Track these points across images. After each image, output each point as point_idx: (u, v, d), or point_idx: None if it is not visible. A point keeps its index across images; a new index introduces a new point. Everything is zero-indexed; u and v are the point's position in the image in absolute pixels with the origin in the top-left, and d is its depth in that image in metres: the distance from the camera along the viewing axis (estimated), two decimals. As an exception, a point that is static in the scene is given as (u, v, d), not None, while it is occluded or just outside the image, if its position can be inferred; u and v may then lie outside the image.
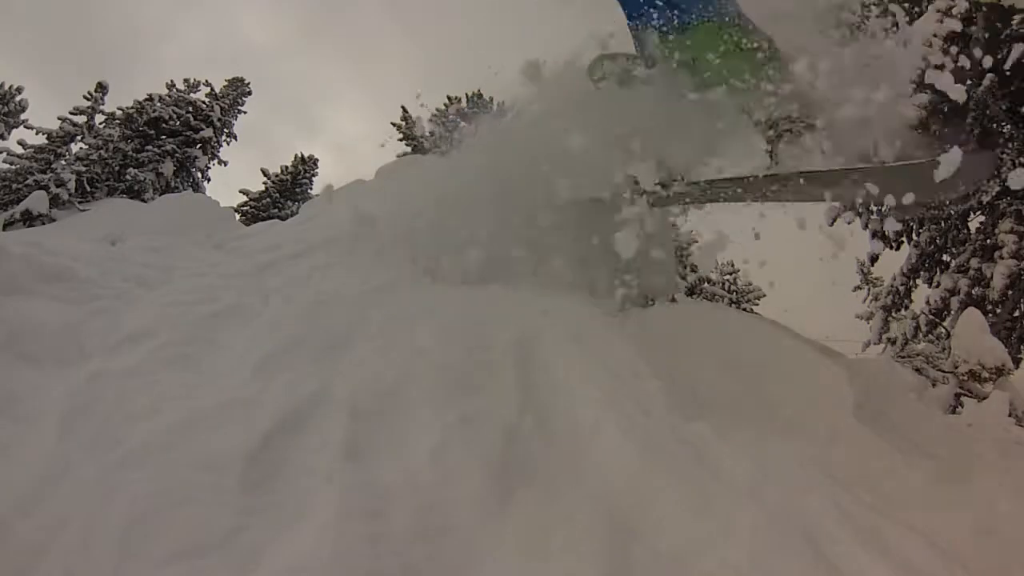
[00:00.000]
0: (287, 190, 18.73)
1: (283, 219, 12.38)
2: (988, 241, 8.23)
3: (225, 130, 18.75)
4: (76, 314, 3.23)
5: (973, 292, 8.27)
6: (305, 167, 19.36)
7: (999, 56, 7.13)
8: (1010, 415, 5.63)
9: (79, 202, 14.44)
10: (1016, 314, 8.03)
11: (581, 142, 3.90)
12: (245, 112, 19.39)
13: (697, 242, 14.77)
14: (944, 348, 10.83)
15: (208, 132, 17.90)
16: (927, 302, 9.11)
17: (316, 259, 4.92)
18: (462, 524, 1.99)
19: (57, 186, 14.12)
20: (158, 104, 17.06)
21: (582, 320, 3.64)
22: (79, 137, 15.51)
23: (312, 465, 2.19)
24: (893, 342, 9.61)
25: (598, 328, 3.53)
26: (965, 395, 6.74)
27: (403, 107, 16.71)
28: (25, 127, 15.72)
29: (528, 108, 5.10)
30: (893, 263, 9.56)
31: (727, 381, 3.03)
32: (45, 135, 15.20)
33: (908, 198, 3.03)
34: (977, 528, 2.16)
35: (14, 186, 14.27)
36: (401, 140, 16.54)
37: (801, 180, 3.66)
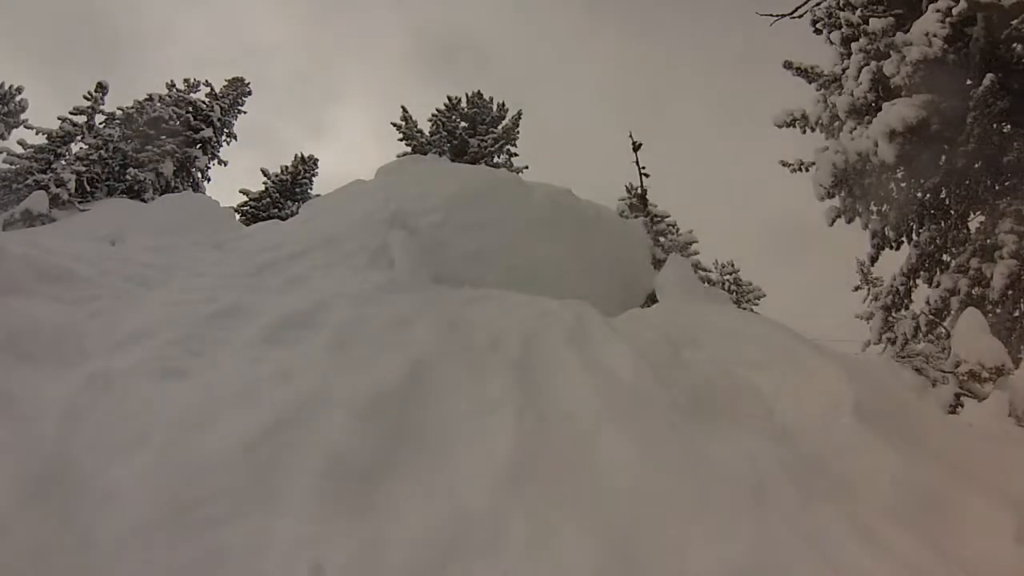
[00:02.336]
0: (287, 190, 18.72)
1: (283, 219, 12.38)
2: (988, 241, 8.22)
3: (225, 130, 18.76)
4: (76, 314, 3.23)
5: (973, 292, 8.25)
6: (305, 167, 19.35)
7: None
8: (1010, 415, 5.61)
9: (79, 202, 14.44)
10: (1016, 314, 8.02)
11: None
12: (245, 112, 19.40)
13: (696, 242, 14.84)
14: (944, 348, 10.80)
15: (208, 132, 17.91)
16: (927, 302, 9.09)
17: (316, 259, 4.93)
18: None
19: (57, 186, 14.11)
20: (158, 104, 17.05)
21: (580, 321, 3.65)
22: (79, 137, 15.49)
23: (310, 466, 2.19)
24: (893, 342, 9.58)
25: (596, 328, 3.53)
26: (965, 395, 6.73)
27: (403, 107, 16.74)
28: (25, 127, 15.71)
29: None
30: (893, 263, 9.53)
31: (725, 380, 3.03)
32: (45, 135, 15.19)
33: None
34: (979, 530, 2.15)
35: (14, 186, 14.26)
36: (401, 140, 16.55)
37: None
